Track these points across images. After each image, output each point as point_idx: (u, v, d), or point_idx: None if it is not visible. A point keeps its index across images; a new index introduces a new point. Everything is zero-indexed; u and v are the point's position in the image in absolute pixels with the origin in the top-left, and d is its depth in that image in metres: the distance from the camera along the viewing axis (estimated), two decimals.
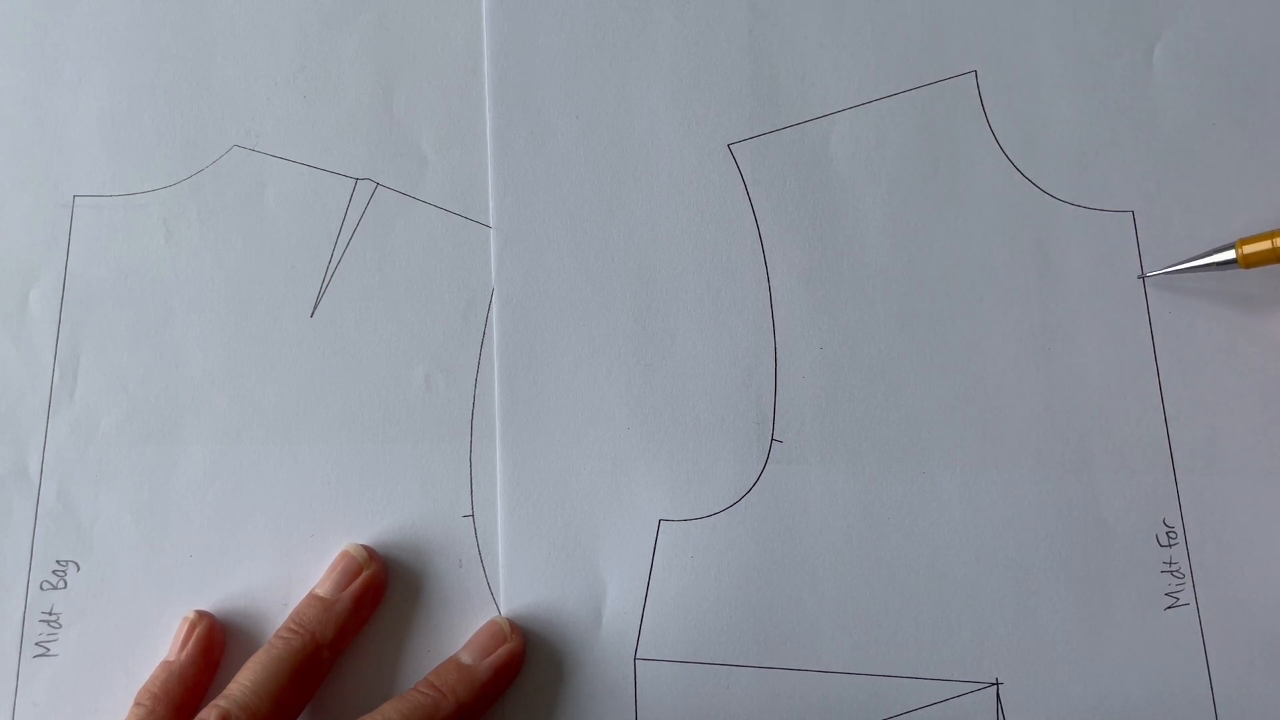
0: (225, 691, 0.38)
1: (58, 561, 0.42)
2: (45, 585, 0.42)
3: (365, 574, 0.41)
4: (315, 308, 0.44)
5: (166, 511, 0.42)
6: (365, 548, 0.42)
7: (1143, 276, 0.43)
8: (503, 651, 0.40)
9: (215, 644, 0.41)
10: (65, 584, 0.42)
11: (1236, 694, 0.40)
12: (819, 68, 0.46)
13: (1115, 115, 0.45)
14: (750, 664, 0.41)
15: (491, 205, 0.45)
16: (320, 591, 0.41)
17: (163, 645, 0.41)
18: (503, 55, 0.46)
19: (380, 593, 0.41)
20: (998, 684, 0.41)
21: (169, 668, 0.40)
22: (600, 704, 0.40)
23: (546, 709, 0.41)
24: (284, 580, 0.42)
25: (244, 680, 0.38)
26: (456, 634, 0.41)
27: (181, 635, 0.41)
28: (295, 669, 0.39)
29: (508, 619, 0.41)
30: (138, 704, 0.39)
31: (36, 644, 0.41)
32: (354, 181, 0.45)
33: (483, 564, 0.42)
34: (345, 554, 0.41)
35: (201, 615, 0.41)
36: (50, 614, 0.42)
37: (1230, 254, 0.41)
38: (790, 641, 0.41)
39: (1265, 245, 0.41)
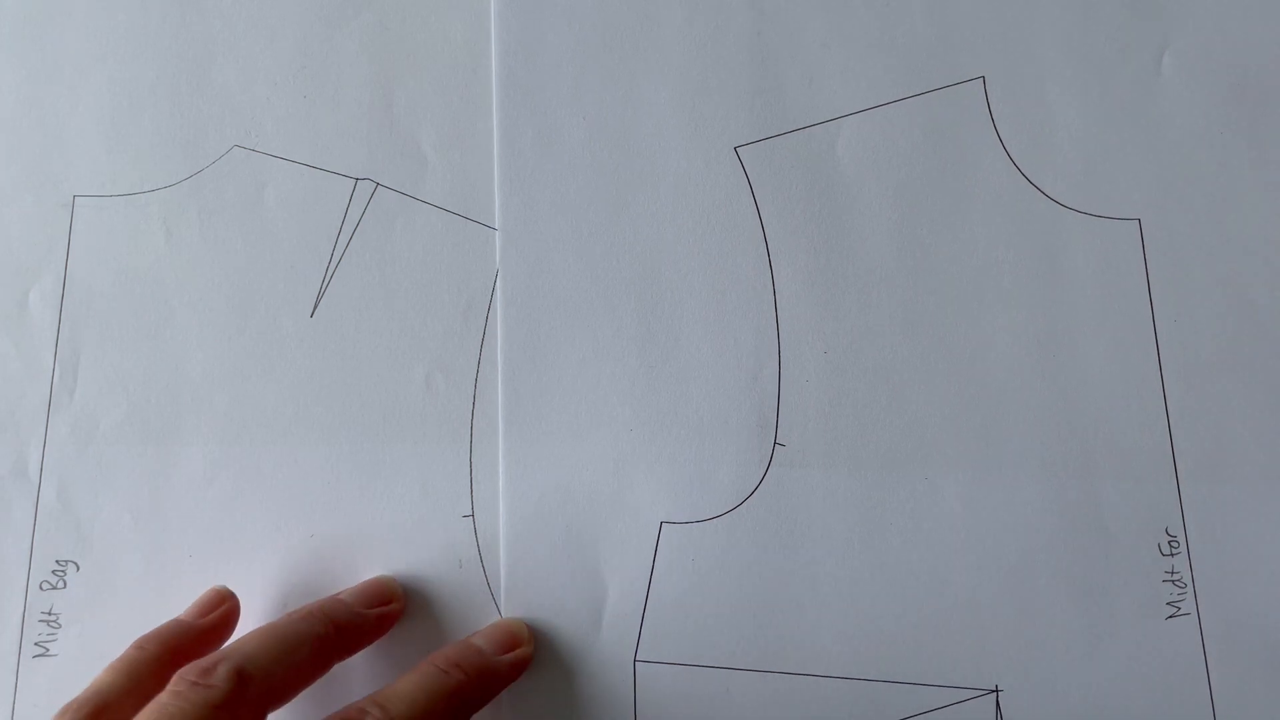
0: (235, 646, 0.36)
1: (57, 561, 0.42)
2: (45, 585, 0.42)
3: (393, 605, 0.41)
4: (315, 308, 0.44)
5: (166, 511, 0.42)
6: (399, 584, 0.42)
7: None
8: (520, 652, 0.40)
9: (230, 625, 0.40)
10: (65, 584, 0.42)
11: (1237, 705, 0.40)
12: (826, 71, 0.45)
13: (1123, 122, 0.44)
14: (750, 668, 0.41)
15: (497, 204, 0.44)
16: (344, 597, 0.40)
17: None
18: (510, 55, 0.45)
19: (387, 628, 0.41)
20: (997, 690, 0.41)
21: (181, 624, 0.39)
22: (600, 706, 0.41)
23: (546, 710, 0.41)
24: (284, 580, 0.42)
25: (253, 640, 0.36)
26: (456, 634, 0.41)
27: (206, 601, 0.40)
28: (308, 642, 0.37)
29: (525, 624, 0.41)
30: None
31: (36, 644, 0.41)
32: (354, 181, 0.45)
33: (483, 564, 0.42)
34: (381, 579, 0.41)
35: (232, 596, 0.40)
36: (50, 614, 0.42)
37: None
38: (791, 645, 0.41)
39: None
